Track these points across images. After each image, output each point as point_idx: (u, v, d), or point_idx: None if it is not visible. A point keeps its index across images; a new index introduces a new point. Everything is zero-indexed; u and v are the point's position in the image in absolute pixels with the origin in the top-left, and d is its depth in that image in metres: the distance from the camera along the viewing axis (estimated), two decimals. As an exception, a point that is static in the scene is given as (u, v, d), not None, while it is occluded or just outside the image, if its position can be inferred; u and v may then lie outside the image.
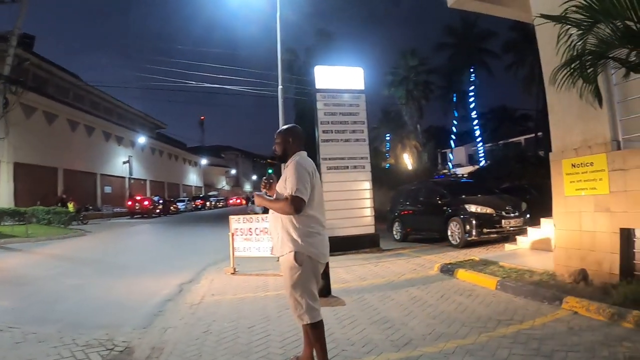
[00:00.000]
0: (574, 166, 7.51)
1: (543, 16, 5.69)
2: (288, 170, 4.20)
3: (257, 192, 4.60)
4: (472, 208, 13.39)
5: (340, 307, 7.06)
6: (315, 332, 4.20)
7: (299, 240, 4.13)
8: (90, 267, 13.95)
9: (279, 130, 4.57)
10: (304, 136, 4.58)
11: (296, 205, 4.05)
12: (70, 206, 34.48)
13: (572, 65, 5.62)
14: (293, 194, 4.04)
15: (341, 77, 14.38)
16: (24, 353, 5.76)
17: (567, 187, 7.70)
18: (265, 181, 4.54)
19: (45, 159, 41.63)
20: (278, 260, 4.48)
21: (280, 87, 17.54)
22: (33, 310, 8.23)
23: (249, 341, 5.74)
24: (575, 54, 5.60)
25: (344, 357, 4.95)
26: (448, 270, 9.33)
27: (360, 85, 14.50)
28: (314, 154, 13.30)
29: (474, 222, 13.06)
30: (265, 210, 4.80)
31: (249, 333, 6.07)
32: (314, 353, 4.32)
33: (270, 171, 4.07)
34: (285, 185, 4.15)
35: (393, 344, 5.23)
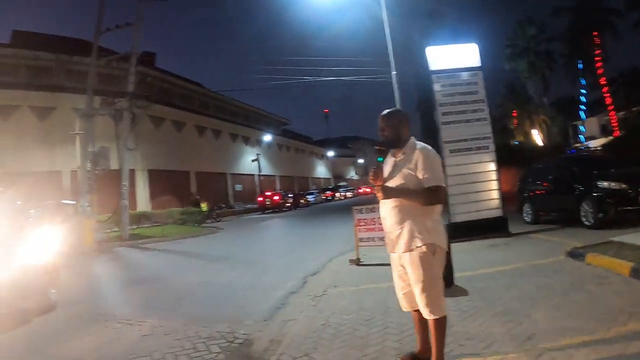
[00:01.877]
0: None
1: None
2: (422, 158, 3.96)
3: (378, 183, 4.12)
4: (605, 184, 12.48)
5: (463, 297, 6.89)
6: (443, 326, 4.04)
7: (431, 231, 3.97)
8: (219, 263, 14.56)
9: (389, 112, 4.29)
10: None
11: (442, 195, 3.95)
12: (204, 206, 35.99)
13: None
14: (439, 184, 3.91)
15: (455, 55, 13.91)
16: (149, 345, 6.18)
17: None
18: (374, 171, 4.16)
19: (177, 164, 44.32)
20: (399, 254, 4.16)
21: (393, 72, 17.33)
22: (163, 306, 8.85)
23: (366, 334, 5.74)
24: None
25: (460, 352, 4.78)
26: (578, 254, 8.75)
27: (476, 62, 13.95)
28: (433, 138, 13.05)
29: (607, 199, 12.21)
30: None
31: (367, 325, 6.07)
32: (431, 348, 4.15)
33: (380, 159, 3.85)
34: (419, 174, 3.94)
35: (513, 338, 4.98)
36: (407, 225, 3.99)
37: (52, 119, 33.29)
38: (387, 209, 4.15)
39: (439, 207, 4.09)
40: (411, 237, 3.97)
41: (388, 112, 4.30)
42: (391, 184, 4.09)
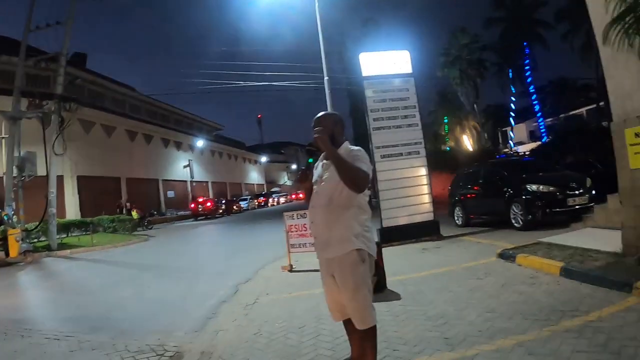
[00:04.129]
0: (638, 136, 6.92)
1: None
2: (354, 155, 3.79)
3: (318, 136, 3.81)
4: (534, 187, 12.84)
5: (396, 301, 6.81)
6: (373, 335, 3.85)
7: (361, 236, 3.79)
8: (149, 272, 14.20)
9: (323, 115, 4.13)
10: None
11: (367, 181, 3.69)
12: (134, 213, 35.28)
13: (627, 19, 5.10)
14: (367, 171, 3.68)
15: (388, 62, 13.96)
16: None
17: (632, 159, 7.08)
18: (303, 172, 4.02)
19: (107, 170, 43.28)
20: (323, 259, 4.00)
21: (326, 78, 17.29)
22: (91, 319, 8.40)
23: (298, 342, 5.63)
24: (628, 6, 5.08)
25: (394, 357, 4.70)
26: (509, 256, 8.86)
27: (408, 69, 14.03)
28: (366, 143, 13.04)
29: (536, 202, 12.54)
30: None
31: (300, 334, 5.95)
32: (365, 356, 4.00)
33: (310, 160, 3.71)
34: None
35: (447, 342, 4.92)
36: (336, 230, 3.80)
37: (-26, 122, 31.97)
38: (316, 213, 3.95)
39: (368, 214, 3.92)
40: (341, 242, 3.78)
41: (323, 114, 4.14)
42: (322, 186, 3.92)
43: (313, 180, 4.03)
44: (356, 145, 4.05)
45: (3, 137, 23.29)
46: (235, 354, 5.48)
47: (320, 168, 4.06)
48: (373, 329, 3.81)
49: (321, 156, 4.11)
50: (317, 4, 16.67)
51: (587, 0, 7.72)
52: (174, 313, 8.36)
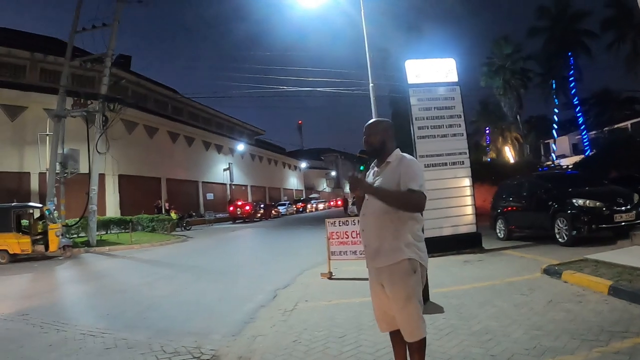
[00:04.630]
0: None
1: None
2: (407, 166, 3.75)
3: (357, 177, 3.81)
4: (580, 202, 12.56)
5: (439, 314, 6.71)
6: (423, 348, 3.79)
7: (413, 246, 3.75)
8: (187, 272, 14.26)
9: (375, 121, 4.13)
10: None
11: (423, 201, 3.65)
12: (173, 214, 35.59)
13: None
14: (420, 189, 3.63)
15: (433, 70, 13.84)
16: (112, 359, 5.92)
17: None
18: (355, 179, 3.80)
19: (148, 170, 43.78)
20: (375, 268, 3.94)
21: (371, 84, 17.17)
22: (127, 317, 8.52)
23: (339, 352, 5.54)
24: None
25: (439, 373, 4.58)
26: (555, 272, 8.66)
27: (454, 77, 13.90)
28: (410, 152, 12.93)
29: (581, 217, 12.25)
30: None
31: (340, 343, 5.86)
32: None
33: (362, 168, 3.64)
34: (402, 179, 3.69)
35: (493, 359, 4.82)
36: (388, 239, 3.76)
37: (23, 119, 32.45)
38: (368, 221, 3.91)
39: (421, 223, 3.87)
40: (392, 251, 3.73)
41: (375, 121, 4.14)
42: None
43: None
44: None
45: (48, 135, 23.72)
46: (273, 361, 5.38)
47: (371, 176, 4.03)
48: (422, 342, 3.78)
49: (373, 163, 4.09)
50: (362, 11, 16.62)
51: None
52: (211, 315, 8.36)
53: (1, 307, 9.52)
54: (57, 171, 22.62)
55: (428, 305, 7.12)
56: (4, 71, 35.60)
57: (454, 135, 13.60)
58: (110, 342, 6.65)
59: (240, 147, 65.72)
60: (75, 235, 24.48)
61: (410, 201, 3.64)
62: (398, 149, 3.99)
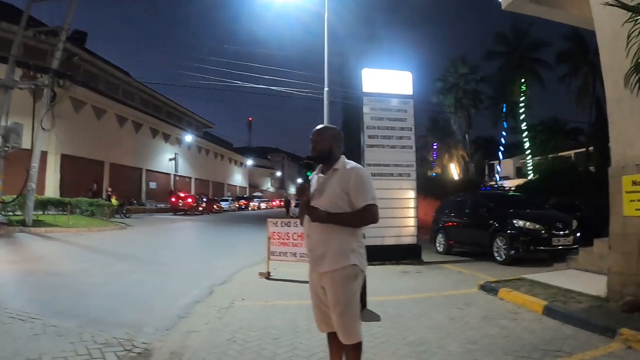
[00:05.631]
0: (635, 184, 6.88)
1: (609, 4, 5.15)
2: (357, 178, 3.76)
3: (312, 206, 3.82)
4: (520, 223, 12.84)
5: (375, 323, 6.66)
6: (359, 351, 3.82)
7: (357, 252, 3.78)
8: (123, 261, 13.84)
9: (323, 127, 4.17)
10: None
11: (377, 214, 3.72)
12: (113, 200, 34.96)
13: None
14: (373, 202, 3.70)
15: (389, 81, 13.99)
16: (40, 346, 5.57)
17: (626, 206, 7.05)
18: (302, 186, 3.98)
19: (92, 152, 42.49)
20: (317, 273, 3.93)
21: (326, 89, 17.12)
22: (59, 303, 8.06)
23: (273, 354, 5.43)
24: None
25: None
26: (491, 289, 8.79)
27: (409, 90, 14.09)
28: (358, 160, 12.96)
29: (521, 238, 12.55)
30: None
31: (275, 344, 5.76)
32: None
33: (309, 174, 3.59)
34: (352, 193, 3.73)
35: (428, 370, 4.78)
36: (332, 245, 3.76)
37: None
38: (313, 226, 3.86)
39: (364, 230, 3.91)
40: (337, 257, 3.73)
41: (323, 127, 4.17)
42: (319, 200, 3.83)
43: (310, 193, 3.95)
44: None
45: (-9, 105, 22.98)
46: (207, 359, 5.30)
47: (316, 181, 3.99)
48: (359, 345, 3.81)
49: (317, 169, 4.06)
50: (326, 15, 16.55)
51: (600, 43, 7.71)
52: (145, 307, 8.07)
53: None
54: (-3, 144, 21.87)
55: (365, 312, 7.10)
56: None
57: (403, 147, 13.76)
58: (39, 329, 6.30)
59: (188, 138, 64.85)
60: (10, 213, 23.56)
61: (366, 219, 3.74)
62: (344, 157, 3.99)
